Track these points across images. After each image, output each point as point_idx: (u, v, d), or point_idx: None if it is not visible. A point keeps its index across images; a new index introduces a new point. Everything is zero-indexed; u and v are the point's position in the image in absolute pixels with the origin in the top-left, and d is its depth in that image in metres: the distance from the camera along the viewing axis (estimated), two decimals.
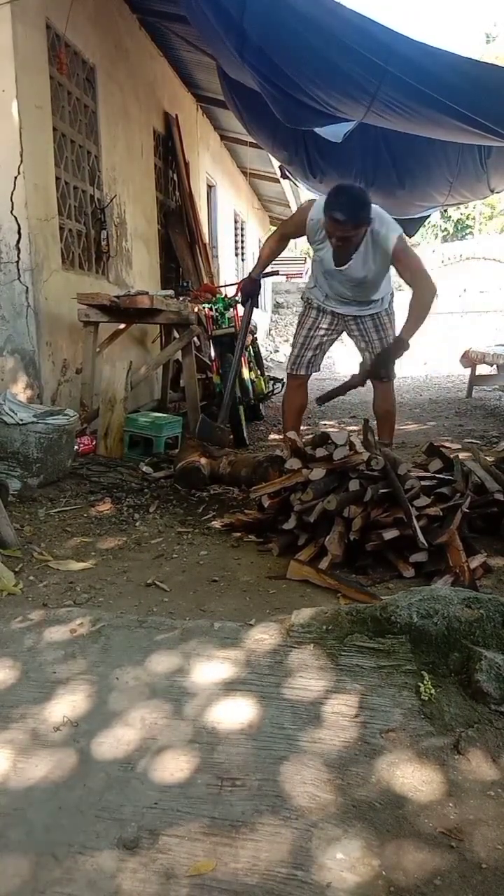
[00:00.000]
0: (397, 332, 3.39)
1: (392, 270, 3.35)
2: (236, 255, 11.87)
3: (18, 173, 3.83)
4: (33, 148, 3.96)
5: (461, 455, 3.06)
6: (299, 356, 3.64)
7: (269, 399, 5.91)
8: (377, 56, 3.18)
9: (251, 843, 1.15)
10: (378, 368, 3.36)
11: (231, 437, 4.25)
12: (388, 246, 3.11)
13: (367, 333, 3.53)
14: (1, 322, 3.98)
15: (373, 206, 3.10)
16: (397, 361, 3.39)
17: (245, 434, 4.78)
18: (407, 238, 3.22)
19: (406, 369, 10.72)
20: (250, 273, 3.76)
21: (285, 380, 3.85)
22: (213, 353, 5.33)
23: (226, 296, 5.31)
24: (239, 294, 3.81)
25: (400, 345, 3.26)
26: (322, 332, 3.59)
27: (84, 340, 4.36)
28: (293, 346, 3.72)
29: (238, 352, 4.03)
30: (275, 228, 3.50)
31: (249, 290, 3.72)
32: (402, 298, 3.36)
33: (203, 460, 3.43)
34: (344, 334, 3.72)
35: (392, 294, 3.56)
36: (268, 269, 3.92)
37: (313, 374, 3.71)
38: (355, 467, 2.53)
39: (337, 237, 3.08)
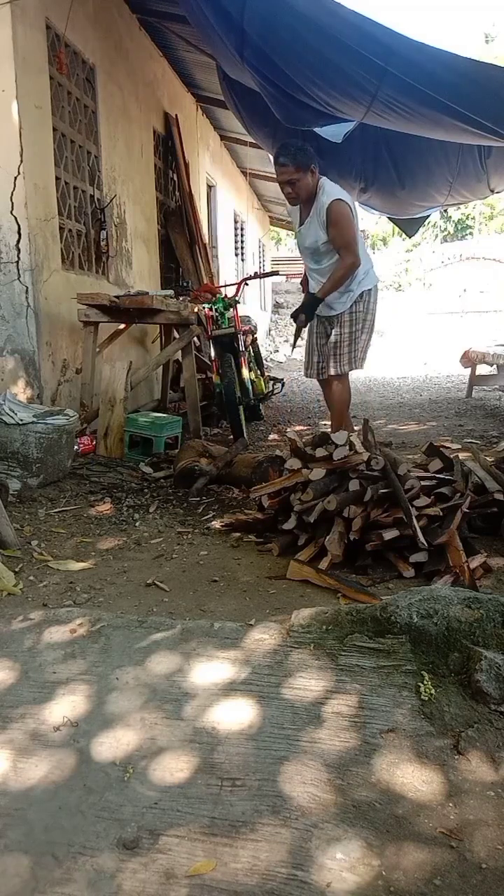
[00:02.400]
0: (364, 329, 3.65)
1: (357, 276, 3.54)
2: (236, 255, 11.88)
3: (18, 173, 3.83)
4: (33, 148, 3.96)
5: (461, 455, 3.06)
6: (308, 362, 3.85)
7: (269, 399, 5.90)
8: (377, 56, 3.18)
9: (251, 844, 1.14)
10: (297, 313, 3.58)
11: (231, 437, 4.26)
12: (325, 203, 3.39)
13: (332, 329, 3.70)
14: (1, 322, 3.98)
15: (328, 181, 3.47)
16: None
17: (245, 434, 4.78)
18: (348, 206, 3.43)
19: (406, 369, 10.74)
20: (308, 293, 3.67)
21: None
22: (212, 353, 5.32)
23: (225, 296, 5.31)
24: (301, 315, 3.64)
25: (313, 299, 3.52)
26: (314, 336, 3.79)
27: (84, 340, 4.36)
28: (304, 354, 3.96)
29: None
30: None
31: (310, 309, 3.58)
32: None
33: (203, 461, 3.43)
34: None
35: (363, 292, 3.60)
36: (267, 270, 3.93)
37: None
38: (355, 467, 2.53)
39: (284, 183, 3.43)
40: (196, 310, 4.75)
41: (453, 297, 18.27)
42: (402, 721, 1.42)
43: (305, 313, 3.55)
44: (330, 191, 3.42)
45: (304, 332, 3.79)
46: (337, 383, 3.71)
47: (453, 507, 2.42)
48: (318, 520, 2.44)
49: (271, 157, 7.31)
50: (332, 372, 3.66)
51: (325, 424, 5.54)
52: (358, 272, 3.52)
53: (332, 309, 3.61)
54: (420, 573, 2.29)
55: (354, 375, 3.84)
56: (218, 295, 5.49)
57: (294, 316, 3.62)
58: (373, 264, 3.69)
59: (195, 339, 5.16)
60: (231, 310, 5.08)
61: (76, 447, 3.72)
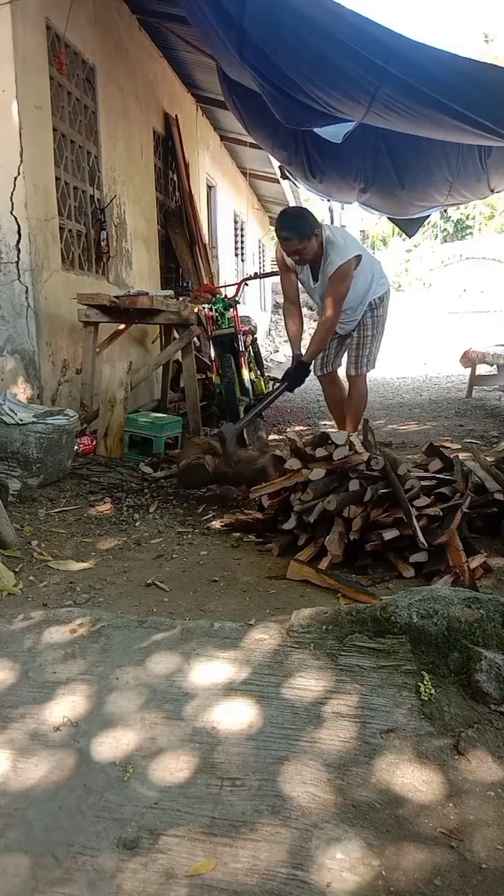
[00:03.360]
0: (382, 330, 3.86)
1: (366, 282, 3.70)
2: (236, 255, 11.88)
3: (18, 173, 3.83)
4: (33, 148, 3.96)
5: (461, 455, 3.06)
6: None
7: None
8: (377, 56, 3.18)
9: (251, 844, 1.14)
10: (291, 384, 3.62)
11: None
12: (335, 262, 3.48)
13: (352, 335, 3.88)
14: (1, 322, 3.98)
15: (336, 234, 3.56)
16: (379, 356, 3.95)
17: (245, 434, 4.78)
18: (350, 267, 3.50)
19: (406, 369, 10.73)
20: (296, 355, 3.67)
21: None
22: (212, 354, 5.33)
23: (225, 296, 5.31)
24: (286, 383, 3.63)
25: (302, 367, 3.58)
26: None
27: (84, 340, 4.36)
28: None
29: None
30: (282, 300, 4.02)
31: (298, 377, 3.62)
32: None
33: (207, 457, 3.42)
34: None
35: (376, 299, 3.77)
36: (267, 270, 3.95)
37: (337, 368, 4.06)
38: (355, 467, 2.53)
39: (290, 253, 3.49)
40: (196, 310, 4.76)
41: (453, 297, 18.26)
42: (402, 721, 1.42)
43: (292, 384, 3.59)
44: (339, 249, 3.47)
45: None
46: (358, 382, 3.91)
47: (453, 507, 2.42)
48: (318, 520, 2.44)
49: (272, 158, 7.35)
50: (352, 372, 3.87)
51: (325, 424, 5.54)
52: (371, 282, 3.70)
53: (347, 326, 3.79)
54: (420, 573, 2.29)
55: None
56: (218, 295, 5.49)
57: (284, 382, 3.62)
58: (383, 271, 3.84)
59: (195, 339, 5.16)
60: (231, 310, 5.08)
61: (76, 447, 3.72)
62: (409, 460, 2.77)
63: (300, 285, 3.80)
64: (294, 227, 3.42)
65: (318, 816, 1.20)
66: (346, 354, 3.98)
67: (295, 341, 3.81)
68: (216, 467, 3.38)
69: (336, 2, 3.15)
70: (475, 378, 7.28)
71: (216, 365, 5.13)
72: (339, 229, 3.73)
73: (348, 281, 3.52)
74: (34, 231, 3.96)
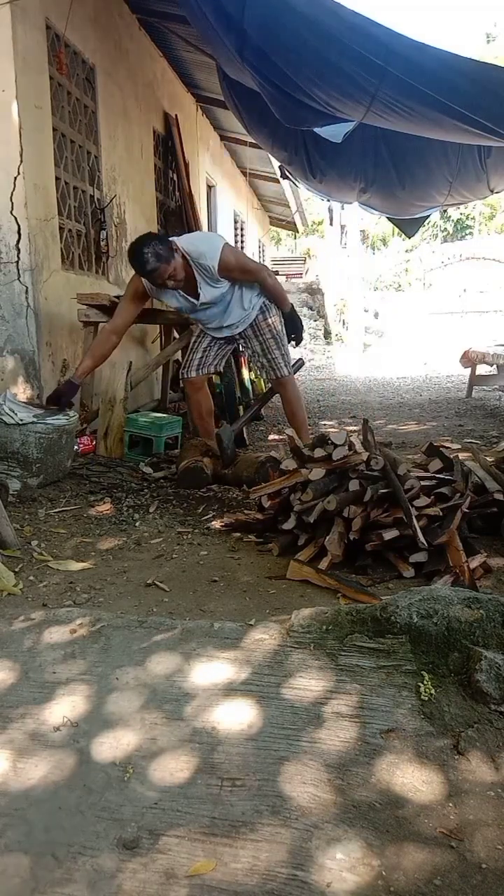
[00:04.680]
0: (281, 335, 3.61)
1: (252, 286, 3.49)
2: None
3: (18, 173, 3.83)
4: (33, 148, 3.96)
5: (461, 455, 3.06)
6: (188, 360, 3.71)
7: (269, 399, 5.90)
8: (377, 56, 3.19)
9: (251, 844, 1.14)
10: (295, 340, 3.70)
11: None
12: (213, 265, 3.24)
13: (249, 341, 3.63)
14: (1, 322, 3.98)
15: (190, 241, 3.28)
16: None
17: (245, 434, 4.78)
18: (224, 246, 3.28)
19: (406, 369, 10.73)
20: (67, 381, 3.47)
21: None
22: None
23: None
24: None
25: (293, 314, 3.65)
26: (206, 339, 3.67)
27: (84, 340, 4.36)
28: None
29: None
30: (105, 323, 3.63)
31: (57, 398, 3.41)
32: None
33: (206, 460, 3.43)
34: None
35: (266, 303, 3.55)
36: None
37: (301, 373, 3.76)
38: (355, 467, 2.53)
39: (167, 280, 3.20)
40: None
41: (453, 297, 18.25)
42: (402, 721, 1.42)
43: (298, 333, 3.66)
44: (202, 250, 3.23)
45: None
46: (287, 386, 3.71)
47: (453, 507, 2.42)
48: (318, 520, 2.44)
49: (272, 158, 7.35)
50: (273, 376, 3.67)
51: (325, 424, 5.54)
52: (252, 293, 3.48)
53: (237, 327, 3.55)
54: (420, 573, 2.29)
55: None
56: None
57: (294, 339, 3.69)
58: None
59: None
60: None
61: (76, 447, 3.72)
62: (409, 460, 2.77)
63: (179, 311, 3.58)
64: (155, 256, 3.10)
65: (319, 816, 1.20)
66: (257, 365, 3.76)
67: (84, 370, 3.43)
68: (214, 469, 3.39)
69: (336, 2, 3.15)
70: (475, 378, 7.29)
71: None
72: (188, 236, 3.44)
73: (240, 257, 3.42)
74: (34, 231, 3.96)
